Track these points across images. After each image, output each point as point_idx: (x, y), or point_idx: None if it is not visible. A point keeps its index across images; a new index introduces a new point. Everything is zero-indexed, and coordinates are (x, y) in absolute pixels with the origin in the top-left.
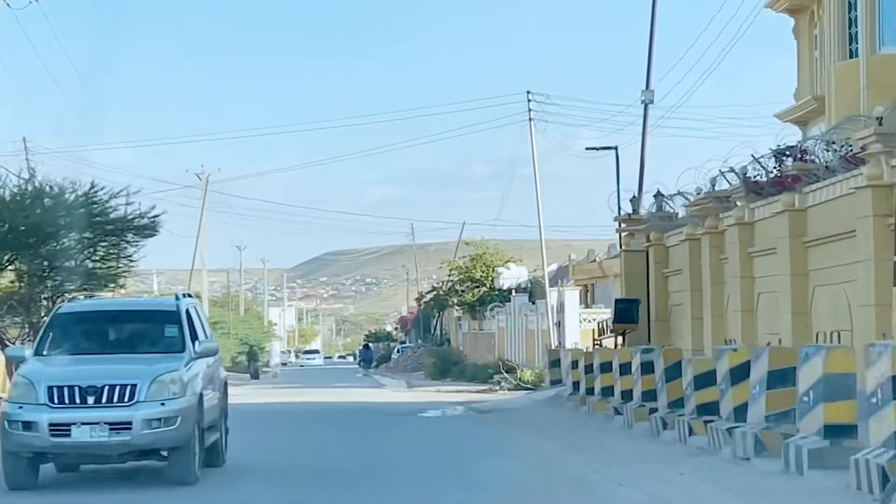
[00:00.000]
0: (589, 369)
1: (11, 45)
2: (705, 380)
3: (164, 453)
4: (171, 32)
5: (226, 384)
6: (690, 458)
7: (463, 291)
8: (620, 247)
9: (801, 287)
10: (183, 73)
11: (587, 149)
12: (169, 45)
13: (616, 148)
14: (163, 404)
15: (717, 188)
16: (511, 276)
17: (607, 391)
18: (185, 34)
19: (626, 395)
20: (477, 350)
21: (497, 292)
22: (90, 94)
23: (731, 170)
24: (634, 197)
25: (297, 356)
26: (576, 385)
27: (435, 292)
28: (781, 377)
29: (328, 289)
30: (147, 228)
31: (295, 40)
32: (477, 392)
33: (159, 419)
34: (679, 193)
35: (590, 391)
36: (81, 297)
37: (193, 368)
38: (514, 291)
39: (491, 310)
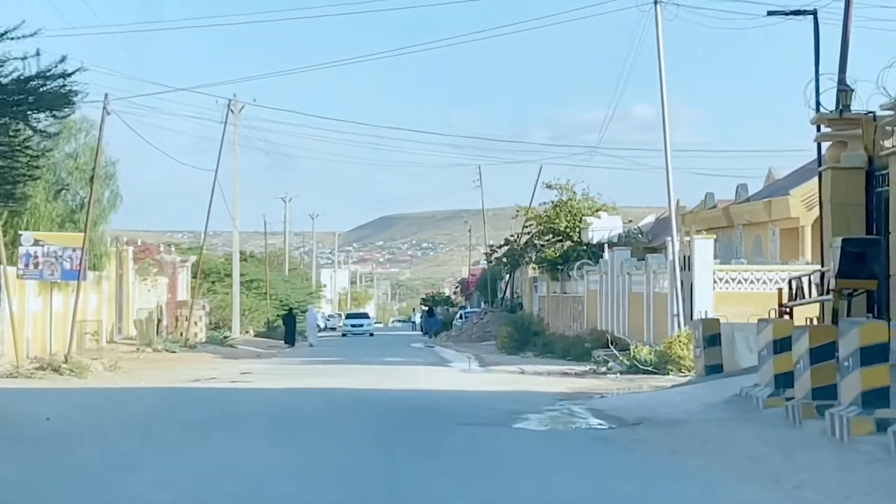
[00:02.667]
0: (819, 355)
1: None
2: None
3: None
4: None
5: None
6: None
7: (543, 246)
8: (820, 162)
9: None
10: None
11: (769, 13)
12: None
13: (815, 12)
14: None
15: None
16: (602, 227)
17: (873, 398)
18: None
19: None
20: (559, 317)
21: (585, 247)
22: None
23: None
24: (845, 86)
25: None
26: (780, 379)
27: (509, 246)
28: None
29: (384, 253)
30: (57, 98)
31: None
32: (576, 375)
33: None
34: None
35: (820, 393)
36: None
37: None
38: (606, 246)
39: (579, 268)
